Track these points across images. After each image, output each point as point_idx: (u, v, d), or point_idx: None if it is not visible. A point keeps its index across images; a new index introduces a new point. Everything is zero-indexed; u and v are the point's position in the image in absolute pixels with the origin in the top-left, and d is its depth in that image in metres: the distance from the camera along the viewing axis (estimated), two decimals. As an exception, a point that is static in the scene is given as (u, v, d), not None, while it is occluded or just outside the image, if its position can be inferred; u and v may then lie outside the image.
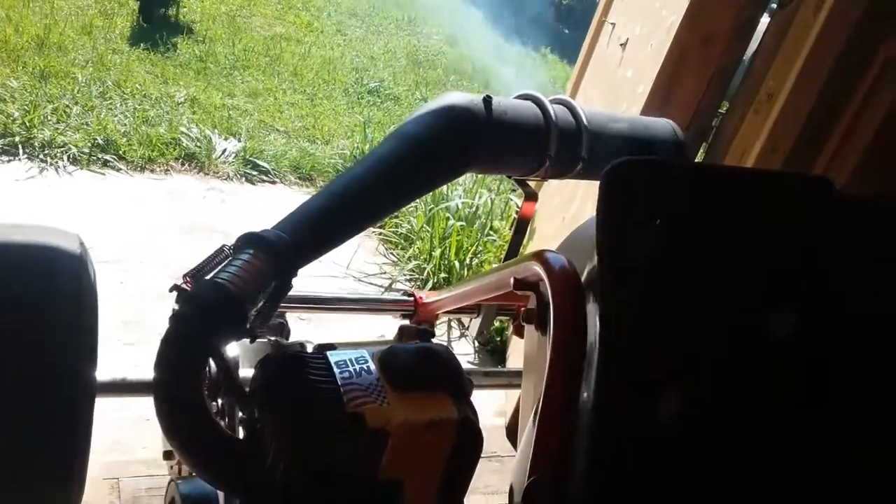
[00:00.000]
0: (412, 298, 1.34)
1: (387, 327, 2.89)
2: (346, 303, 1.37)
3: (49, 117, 3.75)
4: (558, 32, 8.84)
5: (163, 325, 2.65)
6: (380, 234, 3.61)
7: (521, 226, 1.38)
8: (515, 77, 6.40)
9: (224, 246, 0.86)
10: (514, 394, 2.45)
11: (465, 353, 2.85)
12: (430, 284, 3.26)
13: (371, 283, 3.31)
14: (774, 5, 2.03)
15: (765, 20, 2.06)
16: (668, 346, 0.81)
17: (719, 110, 2.14)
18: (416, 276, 3.38)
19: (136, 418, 2.16)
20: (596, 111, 1.28)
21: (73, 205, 3.23)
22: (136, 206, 3.39)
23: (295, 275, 0.87)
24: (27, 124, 3.61)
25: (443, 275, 3.29)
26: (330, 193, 0.99)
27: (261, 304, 0.84)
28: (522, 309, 0.99)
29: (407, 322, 1.34)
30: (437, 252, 3.34)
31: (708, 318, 0.84)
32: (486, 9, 7.81)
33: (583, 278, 0.86)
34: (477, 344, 2.87)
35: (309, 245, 0.91)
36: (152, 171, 3.75)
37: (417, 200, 3.43)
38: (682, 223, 0.84)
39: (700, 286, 0.84)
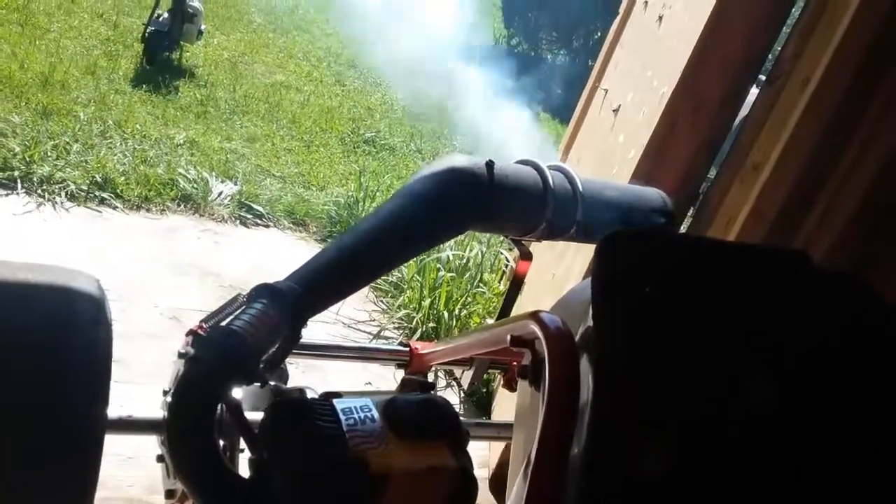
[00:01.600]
0: (408, 349, 1.38)
1: (373, 374, 2.92)
2: (344, 350, 1.41)
3: (49, 153, 3.80)
4: (552, 92, 9.04)
5: (151, 364, 2.66)
6: (371, 282, 3.65)
7: (516, 283, 1.44)
8: (508, 132, 6.52)
9: (238, 295, 0.91)
10: (497, 446, 2.47)
11: (452, 402, 2.88)
12: (418, 333, 3.29)
13: (360, 330, 3.34)
14: (763, 77, 2.12)
15: (754, 90, 2.15)
16: (657, 406, 0.86)
17: (708, 175, 2.22)
18: (405, 324, 3.42)
19: (120, 457, 2.18)
20: (591, 178, 1.34)
21: (68, 240, 3.26)
22: (131, 244, 3.42)
23: (305, 325, 0.92)
24: (27, 159, 3.65)
25: (431, 324, 3.33)
26: (339, 248, 1.04)
27: (271, 351, 0.89)
28: (516, 364, 1.04)
29: (402, 371, 1.39)
30: (427, 302, 3.39)
31: (695, 380, 0.89)
32: (483, 67, 7.99)
33: (576, 338, 0.91)
34: (463, 394, 2.90)
35: (318, 297, 0.96)
36: (148, 210, 3.79)
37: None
38: (671, 291, 0.89)
39: (687, 350, 0.89)
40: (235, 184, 4.23)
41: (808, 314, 0.91)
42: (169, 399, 1.11)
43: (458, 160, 1.20)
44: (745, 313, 0.90)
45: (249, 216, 4.05)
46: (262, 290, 0.92)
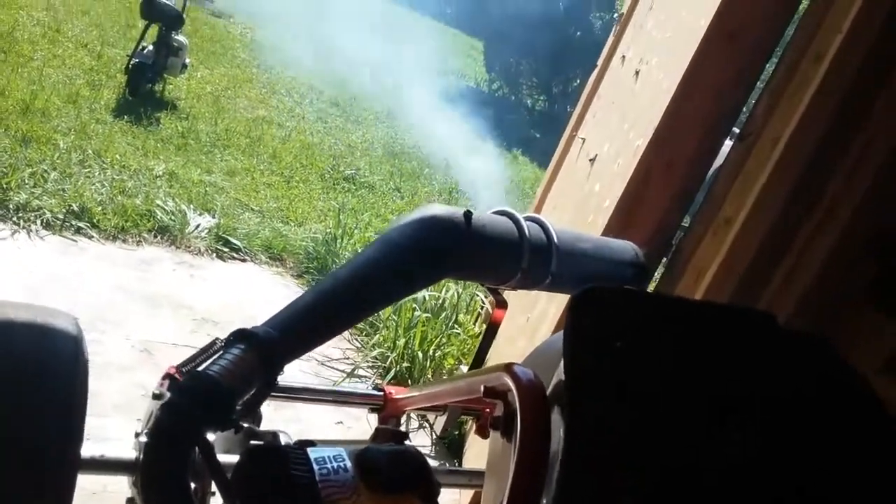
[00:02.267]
0: (382, 393, 1.39)
1: (344, 413, 2.91)
2: (318, 393, 1.41)
3: (26, 181, 3.78)
4: (530, 136, 9.18)
5: (120, 397, 2.63)
6: (346, 320, 3.65)
7: (491, 331, 1.46)
8: (487, 175, 6.60)
9: (216, 339, 0.92)
10: (468, 491, 2.46)
11: (424, 444, 2.87)
12: (392, 373, 3.29)
13: (334, 368, 3.33)
14: (737, 130, 2.18)
15: (728, 142, 2.20)
16: (627, 458, 0.88)
17: (682, 223, 2.26)
18: (380, 363, 3.41)
19: (85, 492, 2.14)
20: (565, 230, 1.37)
21: (40, 269, 3.23)
22: (105, 274, 3.40)
23: (281, 371, 0.93)
24: (3, 186, 3.63)
25: (405, 364, 3.33)
26: (317, 294, 1.06)
27: (247, 396, 0.90)
28: (488, 412, 1.05)
29: (375, 414, 1.39)
30: (402, 342, 3.39)
31: (664, 433, 0.91)
32: (464, 108, 8.11)
33: (548, 391, 0.93)
34: (436, 437, 2.89)
35: (296, 342, 0.97)
36: (124, 241, 3.78)
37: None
38: (641, 346, 0.92)
39: (657, 404, 0.91)
40: (213, 217, 4.23)
41: (776, 370, 0.94)
42: (142, 439, 1.11)
43: (437, 209, 1.23)
44: (714, 368, 0.93)
45: (226, 250, 4.04)
46: (240, 336, 0.93)
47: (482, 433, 1.42)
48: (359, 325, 3.63)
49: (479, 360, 1.51)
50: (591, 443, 0.86)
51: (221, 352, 0.90)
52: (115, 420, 2.50)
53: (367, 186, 5.87)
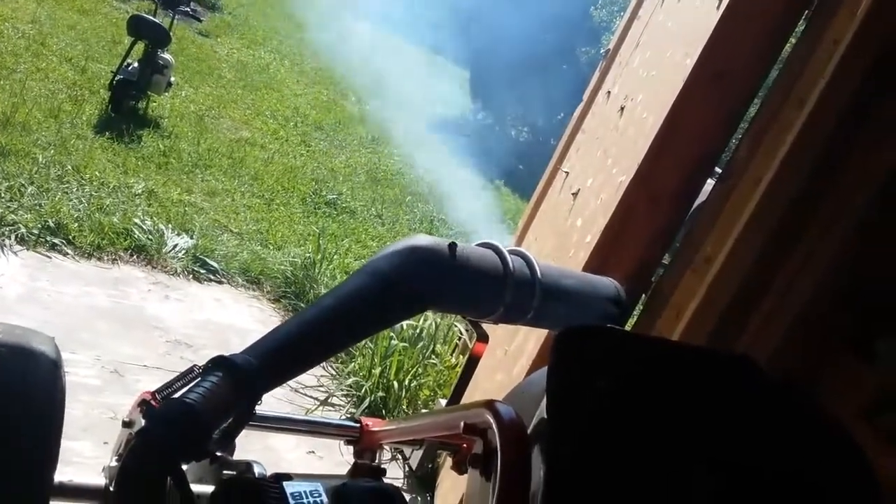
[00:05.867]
0: (358, 425, 1.37)
1: (316, 442, 2.87)
2: (294, 423, 1.38)
3: (3, 195, 3.73)
4: (513, 167, 9.23)
5: (87, 419, 2.57)
6: (322, 346, 3.61)
7: (471, 364, 1.45)
8: (468, 204, 6.62)
9: (194, 366, 0.90)
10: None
11: (396, 477, 2.84)
12: (366, 402, 3.26)
13: (307, 395, 3.29)
14: (719, 170, 2.20)
15: (710, 182, 2.22)
16: (606, 496, 0.87)
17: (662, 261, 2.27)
18: (354, 392, 3.38)
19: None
20: (549, 266, 1.37)
21: (12, 285, 3.18)
22: (77, 293, 3.35)
23: (259, 400, 0.91)
24: (-22, 200, 3.58)
25: (380, 394, 3.29)
26: (299, 323, 1.04)
27: (224, 425, 0.88)
28: (466, 448, 1.04)
29: (351, 448, 1.37)
30: (377, 370, 3.36)
31: (642, 471, 0.91)
32: (448, 137, 8.15)
33: (529, 429, 0.92)
34: (409, 469, 2.86)
35: (275, 372, 0.95)
36: (100, 259, 3.73)
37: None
38: (621, 386, 0.91)
39: (635, 442, 0.91)
40: (191, 237, 4.18)
41: (752, 420, 0.94)
42: (112, 464, 1.08)
43: (422, 240, 1.22)
44: (691, 415, 0.93)
45: (203, 271, 4.00)
46: (218, 363, 0.91)
47: (459, 469, 1.40)
48: (335, 352, 3.60)
49: (458, 394, 1.49)
50: (571, 483, 0.85)
51: (199, 379, 0.89)
52: (83, 443, 2.45)
53: (349, 212, 5.85)
